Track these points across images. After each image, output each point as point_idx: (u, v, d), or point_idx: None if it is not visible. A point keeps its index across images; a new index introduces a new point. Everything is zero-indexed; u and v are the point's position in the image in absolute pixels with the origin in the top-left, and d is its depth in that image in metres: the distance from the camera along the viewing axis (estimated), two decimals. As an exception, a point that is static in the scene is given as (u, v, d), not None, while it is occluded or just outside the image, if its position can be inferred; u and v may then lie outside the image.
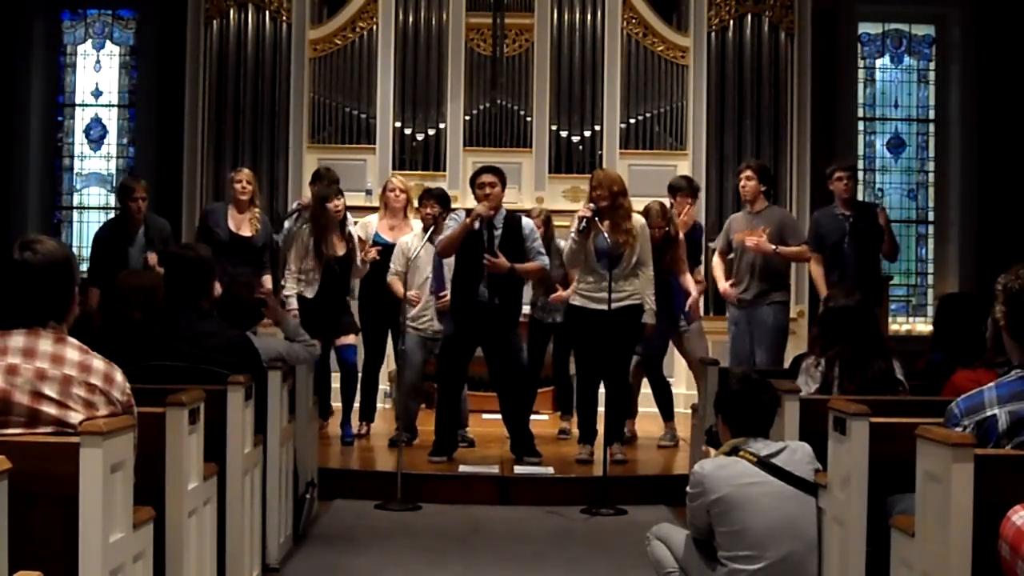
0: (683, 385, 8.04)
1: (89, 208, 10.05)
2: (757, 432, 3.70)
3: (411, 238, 6.81)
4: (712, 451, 3.87)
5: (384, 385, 8.09)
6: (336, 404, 7.13)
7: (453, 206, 6.97)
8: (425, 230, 6.72)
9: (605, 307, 6.04)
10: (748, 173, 6.94)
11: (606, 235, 6.11)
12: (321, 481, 5.70)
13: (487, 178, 6.33)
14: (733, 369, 4.80)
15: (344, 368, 6.89)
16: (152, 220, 7.04)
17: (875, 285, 6.77)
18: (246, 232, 6.94)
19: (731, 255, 7.00)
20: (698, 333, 7.06)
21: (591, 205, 6.13)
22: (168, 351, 3.99)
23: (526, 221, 6.55)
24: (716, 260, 7.11)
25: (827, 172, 7.10)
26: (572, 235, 6.16)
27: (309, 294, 6.69)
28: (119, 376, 2.82)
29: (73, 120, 10.08)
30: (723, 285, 6.99)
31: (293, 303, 6.66)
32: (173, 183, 8.76)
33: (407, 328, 6.53)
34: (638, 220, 6.35)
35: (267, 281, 6.91)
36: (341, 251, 6.75)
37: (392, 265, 6.78)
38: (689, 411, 6.41)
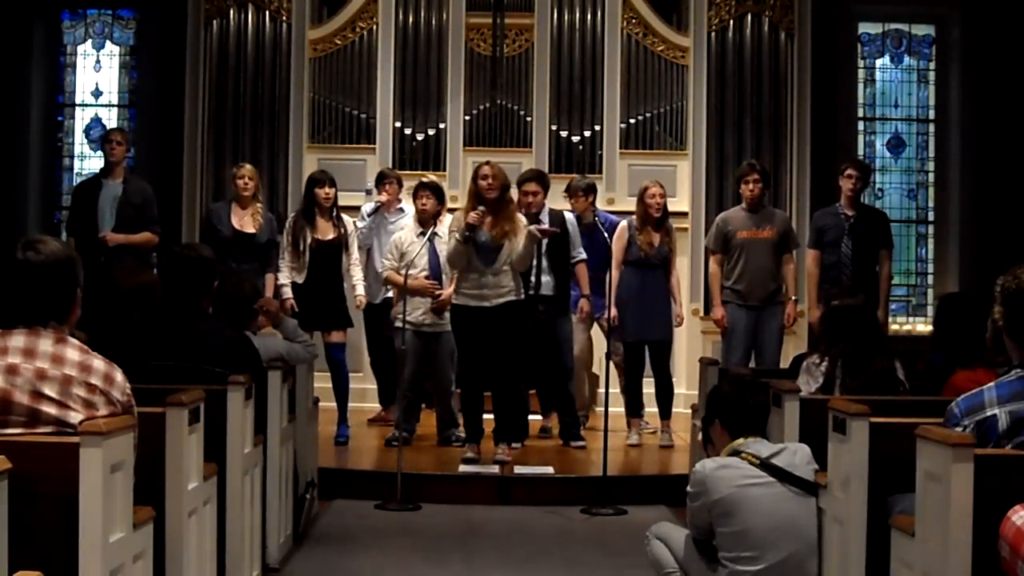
0: (683, 385, 8.04)
1: (89, 208, 10.04)
2: (754, 432, 3.70)
3: (407, 233, 6.85)
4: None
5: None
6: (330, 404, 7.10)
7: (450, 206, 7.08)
8: (421, 223, 6.79)
9: (487, 303, 6.19)
10: (757, 176, 6.95)
11: (486, 230, 6.18)
12: (321, 481, 5.70)
13: (531, 187, 6.78)
14: (732, 370, 4.80)
15: (334, 367, 6.90)
16: (133, 178, 7.35)
17: (872, 288, 6.78)
18: (249, 228, 6.95)
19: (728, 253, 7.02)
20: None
21: (481, 209, 6.15)
22: (168, 351, 3.99)
23: (569, 216, 6.90)
24: (714, 268, 7.08)
25: (840, 167, 7.16)
26: (456, 236, 6.18)
27: (299, 279, 6.81)
28: (119, 376, 2.82)
29: (73, 120, 10.07)
30: (719, 310, 6.98)
31: (288, 292, 6.80)
32: (173, 183, 8.75)
33: (405, 325, 6.55)
34: (521, 218, 6.39)
35: (270, 280, 6.93)
36: (330, 235, 6.85)
37: (385, 261, 6.89)
38: (689, 411, 6.41)
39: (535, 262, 6.66)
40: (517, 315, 6.28)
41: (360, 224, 7.31)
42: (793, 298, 7.05)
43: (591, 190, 7.41)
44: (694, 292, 8.46)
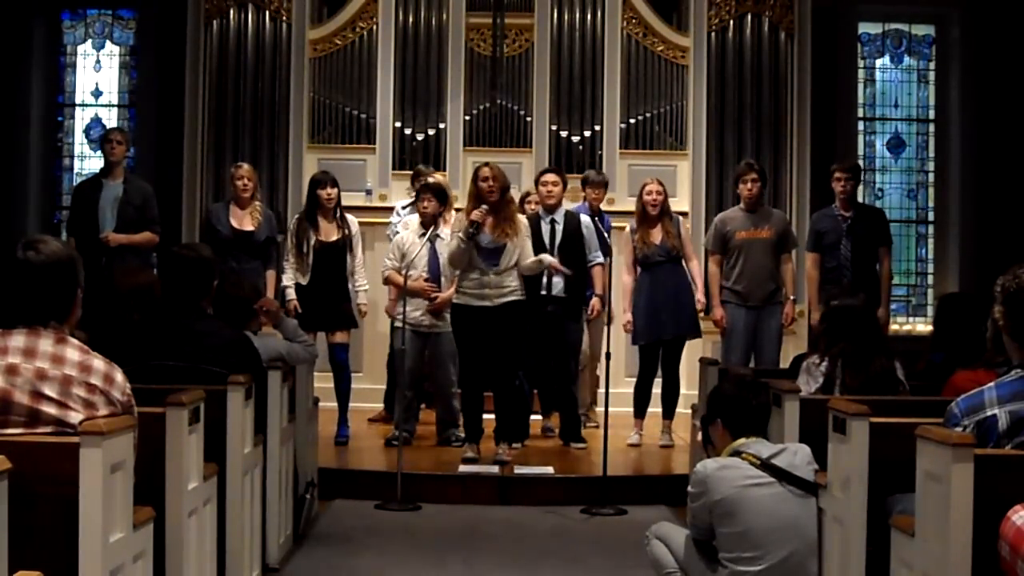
0: (683, 385, 8.02)
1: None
2: (755, 432, 3.70)
3: (408, 233, 6.87)
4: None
5: (384, 385, 8.10)
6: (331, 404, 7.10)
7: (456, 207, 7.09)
8: (423, 225, 6.79)
9: (488, 303, 6.18)
10: (755, 176, 6.95)
11: (487, 232, 6.20)
12: (321, 481, 5.70)
13: (550, 177, 6.87)
14: (732, 370, 4.80)
15: (336, 367, 6.91)
16: (134, 178, 7.42)
17: (873, 287, 6.78)
18: (248, 227, 6.95)
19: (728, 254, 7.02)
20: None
21: (484, 207, 6.17)
22: (168, 351, 3.99)
23: (584, 219, 6.90)
24: (713, 268, 7.06)
25: (830, 170, 7.17)
26: (460, 235, 6.18)
27: (303, 281, 6.81)
28: (119, 376, 2.82)
29: (73, 120, 10.07)
30: (719, 311, 6.97)
31: (291, 293, 6.81)
32: (173, 183, 8.75)
33: (404, 325, 6.55)
34: (521, 218, 6.42)
35: (271, 277, 6.95)
36: (334, 236, 6.84)
37: (387, 260, 6.93)
38: (689, 411, 6.41)
39: None
40: (519, 315, 6.29)
41: (393, 220, 7.37)
42: (792, 298, 7.06)
43: (608, 186, 7.71)
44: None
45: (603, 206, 7.82)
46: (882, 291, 7.00)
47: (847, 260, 6.92)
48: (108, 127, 9.97)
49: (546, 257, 6.37)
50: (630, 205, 7.84)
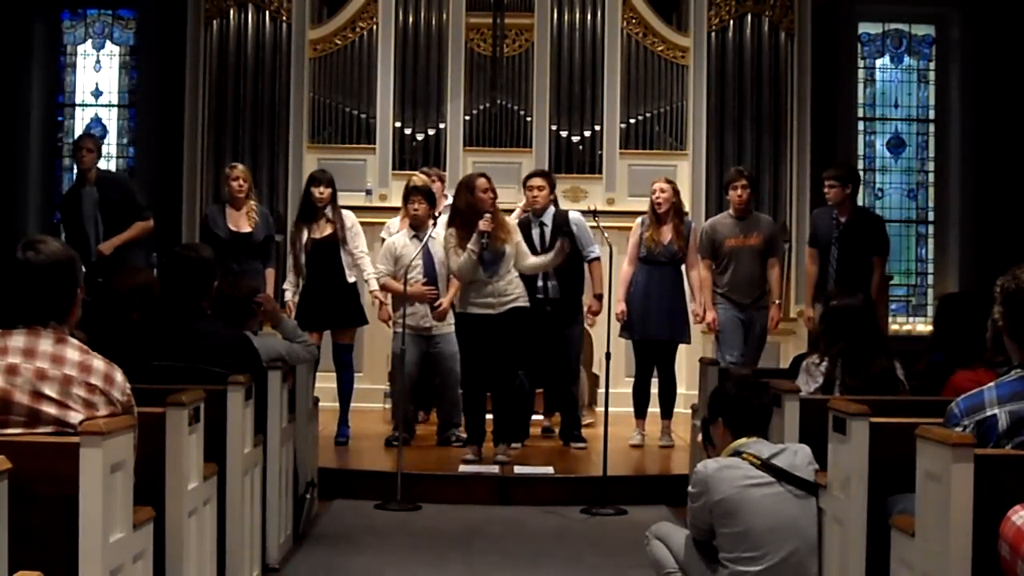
0: (683, 385, 8.03)
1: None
2: (756, 433, 3.71)
3: (400, 237, 6.84)
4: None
5: (384, 385, 8.11)
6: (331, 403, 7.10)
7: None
8: (413, 228, 6.78)
9: (492, 311, 6.21)
10: (745, 183, 6.93)
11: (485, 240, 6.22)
12: (321, 481, 5.70)
13: (536, 181, 6.80)
14: (734, 370, 4.81)
15: (340, 367, 6.90)
16: (104, 175, 7.35)
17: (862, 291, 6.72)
18: (245, 228, 6.95)
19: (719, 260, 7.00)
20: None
21: (489, 216, 6.16)
22: (168, 351, 3.99)
23: (574, 215, 6.88)
24: (704, 273, 7.00)
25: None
26: (472, 248, 6.16)
27: (302, 282, 6.81)
28: (119, 376, 2.82)
29: (73, 120, 10.08)
30: (711, 313, 6.94)
31: (289, 294, 6.82)
32: (173, 183, 8.76)
33: (404, 328, 6.54)
34: (509, 221, 6.46)
35: (270, 275, 6.95)
36: (327, 231, 6.81)
37: (380, 267, 6.85)
38: (689, 411, 6.41)
39: None
40: (523, 321, 6.31)
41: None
42: (777, 302, 7.05)
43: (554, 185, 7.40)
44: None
45: (603, 206, 7.81)
46: (872, 300, 6.93)
47: (833, 268, 6.89)
48: (108, 127, 10.02)
49: (540, 259, 6.37)
50: (630, 205, 7.86)
